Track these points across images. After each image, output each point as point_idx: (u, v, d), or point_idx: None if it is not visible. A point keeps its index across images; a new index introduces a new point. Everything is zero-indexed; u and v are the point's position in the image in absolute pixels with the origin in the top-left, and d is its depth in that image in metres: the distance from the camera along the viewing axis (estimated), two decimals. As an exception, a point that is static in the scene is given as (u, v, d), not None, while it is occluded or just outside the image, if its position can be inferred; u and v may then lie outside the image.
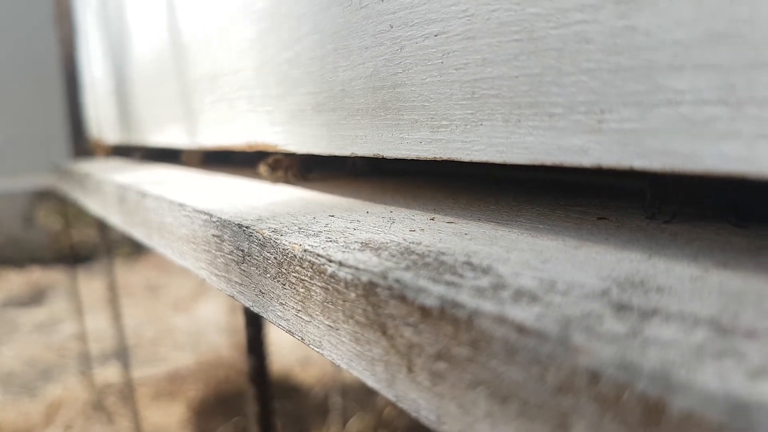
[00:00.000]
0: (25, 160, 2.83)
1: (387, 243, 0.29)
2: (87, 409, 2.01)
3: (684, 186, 0.32)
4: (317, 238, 0.31)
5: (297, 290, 0.30)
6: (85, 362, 2.24)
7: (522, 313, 0.19)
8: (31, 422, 1.90)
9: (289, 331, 0.31)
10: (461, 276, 0.23)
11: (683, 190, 0.32)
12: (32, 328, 2.84)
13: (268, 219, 0.37)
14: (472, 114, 0.32)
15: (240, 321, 0.86)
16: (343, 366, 0.27)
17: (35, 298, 3.32)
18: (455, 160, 0.34)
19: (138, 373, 2.19)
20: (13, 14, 3.06)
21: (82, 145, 1.80)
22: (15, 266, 3.86)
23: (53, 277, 3.67)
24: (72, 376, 2.30)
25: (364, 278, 0.25)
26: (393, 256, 0.27)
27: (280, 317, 0.32)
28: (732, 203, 0.32)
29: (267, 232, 0.33)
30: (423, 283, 0.22)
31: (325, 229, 0.34)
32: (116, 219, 0.73)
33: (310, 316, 0.29)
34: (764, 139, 0.21)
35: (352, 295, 0.25)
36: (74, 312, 2.35)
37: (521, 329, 0.18)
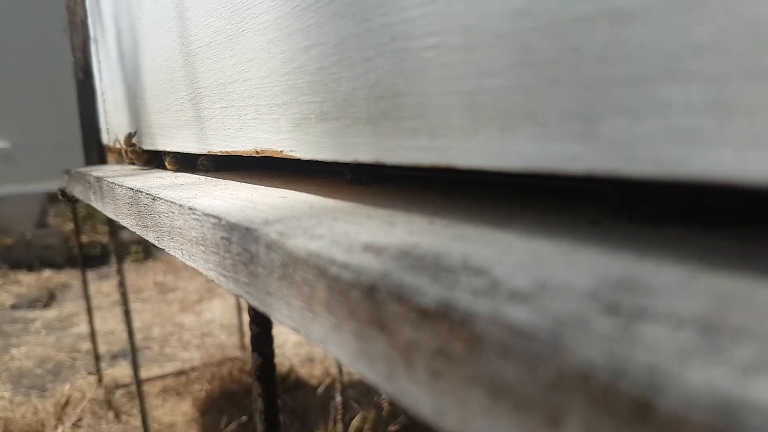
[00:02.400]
0: (39, 166, 2.86)
1: (387, 246, 0.30)
2: (96, 408, 2.03)
3: (646, 188, 0.32)
4: (321, 240, 0.32)
5: (302, 290, 0.31)
6: (95, 362, 2.26)
7: (515, 313, 0.20)
8: (42, 420, 1.92)
9: (295, 329, 0.32)
10: (458, 277, 0.24)
11: (643, 192, 0.32)
12: (43, 328, 2.87)
13: (274, 222, 0.38)
14: (469, 123, 0.33)
15: (246, 320, 0.87)
16: (347, 362, 0.28)
17: (46, 299, 3.36)
18: (453, 166, 0.34)
19: (146, 372, 2.21)
20: (28, 22, 3.09)
21: (94, 151, 1.82)
22: (27, 268, 3.90)
23: (64, 278, 3.71)
24: (82, 375, 2.33)
25: (366, 279, 0.26)
26: (393, 258, 0.28)
27: (287, 315, 0.33)
28: (696, 205, 0.31)
29: (273, 235, 0.34)
30: (421, 283, 0.23)
31: (329, 232, 0.34)
32: (128, 222, 0.74)
33: (315, 314, 0.30)
34: (753, 147, 0.21)
35: (354, 294, 0.26)
36: (84, 313, 2.38)
37: (514, 329, 0.19)
